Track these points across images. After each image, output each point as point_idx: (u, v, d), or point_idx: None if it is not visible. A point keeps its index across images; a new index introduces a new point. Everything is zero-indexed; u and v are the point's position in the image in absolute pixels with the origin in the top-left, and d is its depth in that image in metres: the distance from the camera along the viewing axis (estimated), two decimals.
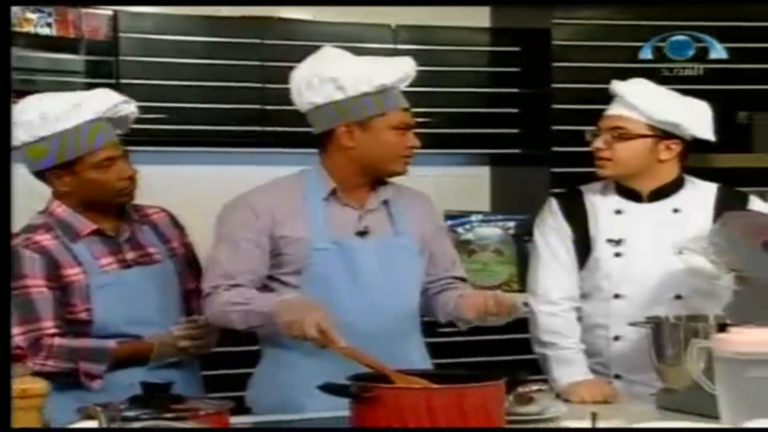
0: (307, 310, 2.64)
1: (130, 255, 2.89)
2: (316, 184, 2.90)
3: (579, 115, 4.78)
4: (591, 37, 5.06)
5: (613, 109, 3.10)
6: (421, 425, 2.19)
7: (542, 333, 3.11)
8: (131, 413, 2.10)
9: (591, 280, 3.11)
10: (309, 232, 2.83)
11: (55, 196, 2.88)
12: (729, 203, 3.07)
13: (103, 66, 4.69)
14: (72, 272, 2.80)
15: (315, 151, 4.92)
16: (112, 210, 2.90)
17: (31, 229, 2.85)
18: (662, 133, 3.04)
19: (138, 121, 3.09)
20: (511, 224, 4.82)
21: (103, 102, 2.85)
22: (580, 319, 3.12)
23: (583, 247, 3.11)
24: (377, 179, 2.93)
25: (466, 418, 2.22)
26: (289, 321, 2.66)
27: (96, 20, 4.66)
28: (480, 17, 5.37)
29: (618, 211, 3.11)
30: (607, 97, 3.18)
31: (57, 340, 2.75)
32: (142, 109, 3.12)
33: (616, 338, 3.08)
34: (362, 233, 2.88)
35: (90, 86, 4.59)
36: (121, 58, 4.66)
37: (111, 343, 2.80)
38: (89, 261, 2.82)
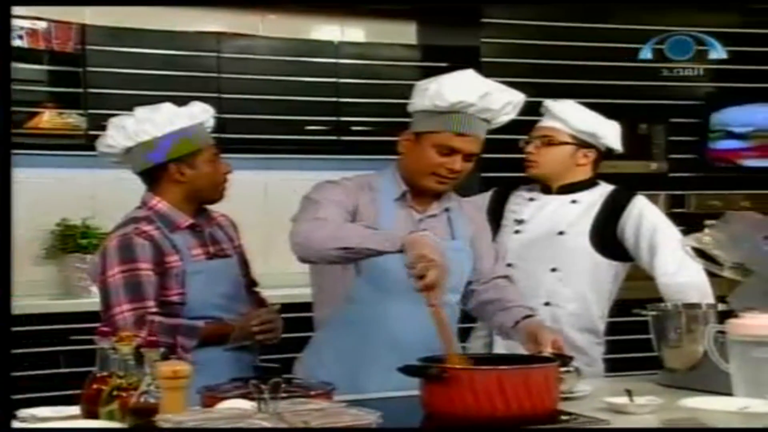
0: (442, 256, 2.66)
1: (212, 248, 3.14)
2: (390, 185, 3.06)
3: (505, 125, 5.27)
4: (515, 54, 5.51)
5: (544, 122, 3.58)
6: (493, 402, 2.39)
7: None
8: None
9: (500, 250, 3.48)
10: (377, 225, 2.95)
11: (155, 193, 3.10)
12: (614, 200, 3.54)
13: (71, 76, 4.88)
14: (172, 259, 3.02)
15: (273, 156, 5.29)
16: (199, 208, 3.15)
17: (136, 220, 3.06)
18: (582, 142, 3.53)
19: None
20: None
21: (206, 111, 3.15)
22: None
23: (499, 225, 3.58)
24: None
25: (531, 395, 2.44)
26: (423, 255, 2.62)
27: (64, 33, 4.86)
28: (408, 36, 5.75)
29: (531, 199, 3.60)
30: (531, 109, 3.52)
31: (157, 318, 2.97)
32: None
33: None
34: None
35: (59, 95, 4.86)
36: (89, 69, 4.87)
37: (200, 322, 3.01)
38: (185, 250, 3.05)
